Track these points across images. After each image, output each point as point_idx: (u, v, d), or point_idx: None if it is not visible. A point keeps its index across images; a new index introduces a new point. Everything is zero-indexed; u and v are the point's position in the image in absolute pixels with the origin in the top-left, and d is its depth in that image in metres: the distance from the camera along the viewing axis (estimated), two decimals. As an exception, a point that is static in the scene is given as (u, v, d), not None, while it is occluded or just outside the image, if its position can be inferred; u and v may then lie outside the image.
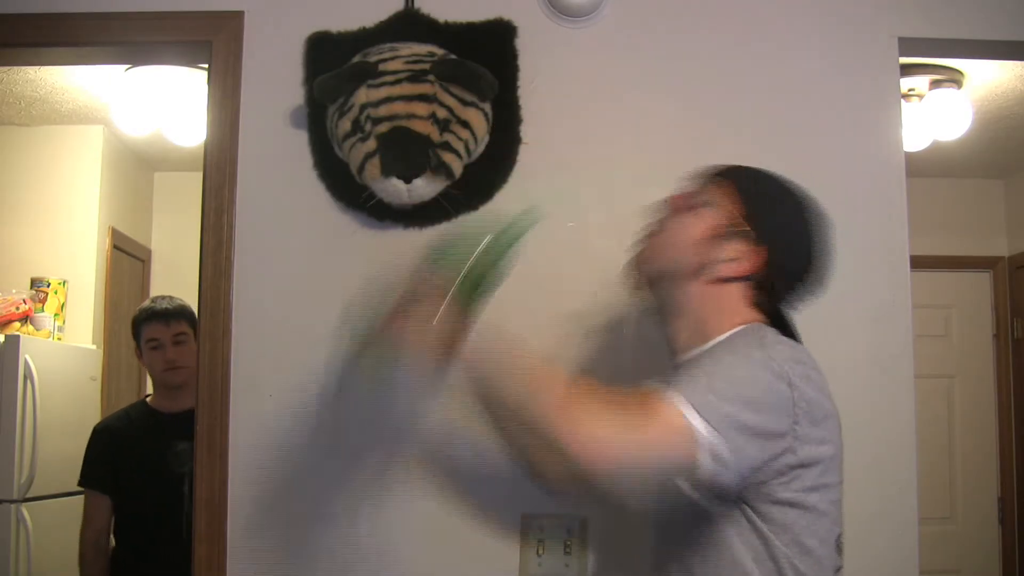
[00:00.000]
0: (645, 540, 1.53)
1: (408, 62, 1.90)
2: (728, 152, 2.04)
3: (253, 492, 1.98)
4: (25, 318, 3.78)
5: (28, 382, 3.40)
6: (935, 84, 3.59)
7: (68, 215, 4.19)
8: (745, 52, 2.07)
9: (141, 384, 4.55)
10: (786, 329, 1.46)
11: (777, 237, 1.45)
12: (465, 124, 1.90)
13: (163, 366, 2.71)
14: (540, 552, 1.94)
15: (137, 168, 4.79)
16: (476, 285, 1.42)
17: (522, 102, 2.01)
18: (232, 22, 2.07)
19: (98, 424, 2.83)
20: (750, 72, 2.07)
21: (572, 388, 1.28)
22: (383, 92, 1.87)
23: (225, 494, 1.97)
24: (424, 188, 1.89)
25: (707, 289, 1.42)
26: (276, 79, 2.05)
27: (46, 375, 3.49)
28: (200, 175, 2.07)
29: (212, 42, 2.07)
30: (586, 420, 1.21)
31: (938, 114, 3.62)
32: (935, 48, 2.21)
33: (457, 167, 1.91)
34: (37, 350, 3.50)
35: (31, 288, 3.90)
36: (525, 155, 2.02)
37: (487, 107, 1.94)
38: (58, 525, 2.88)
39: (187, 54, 2.44)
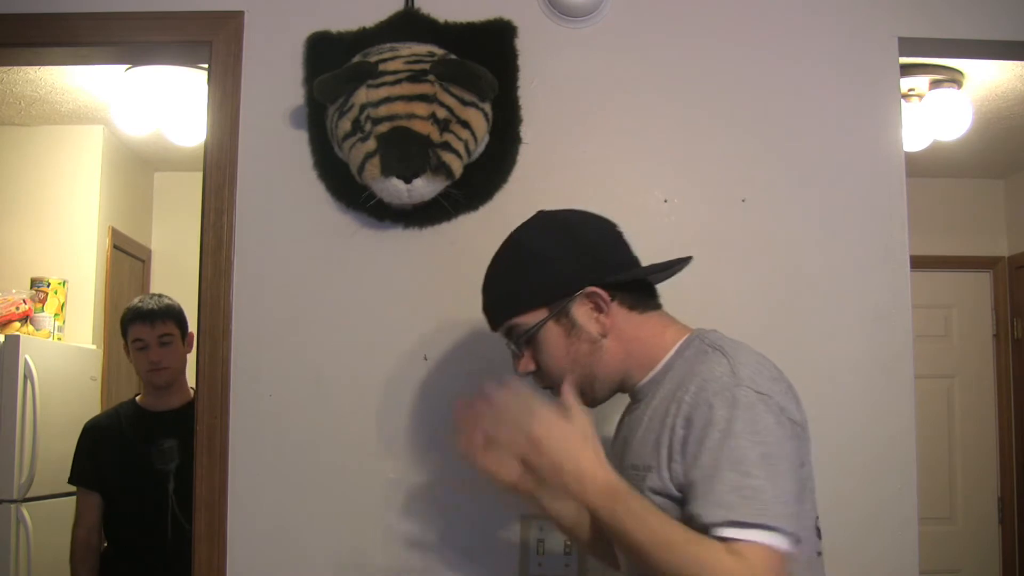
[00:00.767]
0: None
1: (408, 62, 1.90)
2: (728, 152, 2.06)
3: (253, 492, 1.98)
4: (25, 318, 3.78)
5: (28, 382, 3.40)
6: (935, 84, 3.58)
7: (68, 215, 4.19)
8: (745, 52, 2.07)
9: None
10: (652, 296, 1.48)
11: (579, 265, 1.42)
12: (465, 124, 1.90)
13: (148, 367, 2.72)
14: (540, 552, 1.94)
15: (137, 168, 4.79)
16: None
17: (522, 102, 2.01)
18: (232, 22, 2.07)
19: (88, 422, 2.83)
20: (750, 72, 2.07)
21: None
22: (383, 92, 1.87)
23: (225, 494, 1.97)
24: (424, 188, 1.89)
25: (612, 342, 1.41)
26: (276, 79, 2.05)
27: (46, 375, 3.49)
28: (200, 175, 2.07)
29: (212, 42, 2.07)
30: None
31: (938, 114, 3.62)
32: (935, 48, 2.21)
33: (457, 167, 1.91)
34: (37, 350, 3.50)
35: (31, 288, 3.89)
36: (525, 155, 2.02)
37: (487, 107, 1.94)
38: (58, 525, 2.87)
39: (187, 54, 2.44)
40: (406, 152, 1.86)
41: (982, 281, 5.02)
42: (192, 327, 2.31)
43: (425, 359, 2.00)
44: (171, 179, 4.99)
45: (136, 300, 2.80)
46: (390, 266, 2.02)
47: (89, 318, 4.14)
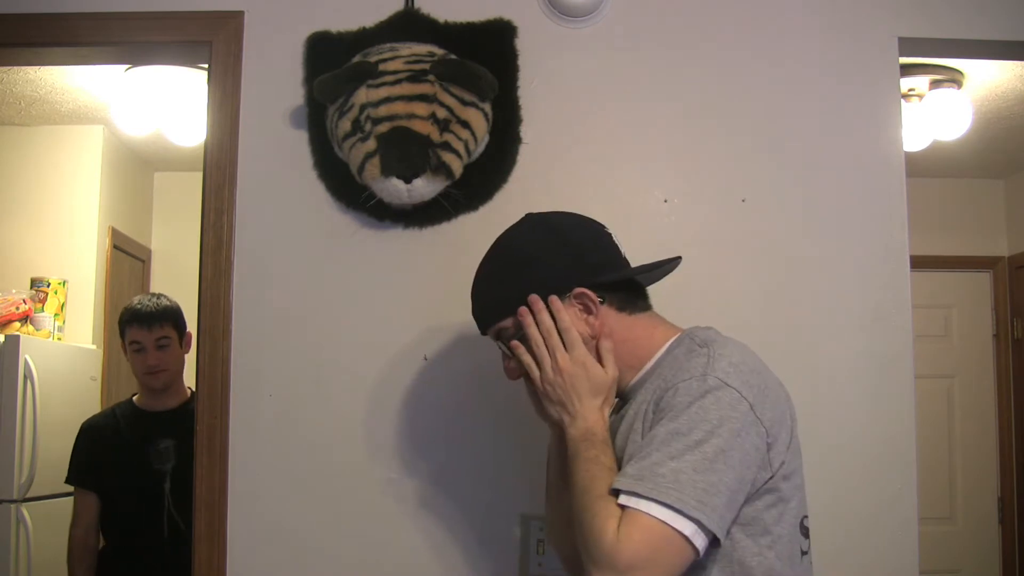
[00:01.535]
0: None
1: (408, 62, 1.90)
2: (728, 152, 2.06)
3: (253, 492, 1.98)
4: (25, 318, 3.78)
5: (28, 382, 3.40)
6: (935, 84, 3.58)
7: (68, 215, 4.19)
8: (745, 52, 2.07)
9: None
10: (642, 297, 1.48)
11: (566, 266, 1.42)
12: (465, 124, 1.90)
13: (145, 370, 2.72)
14: (540, 552, 1.94)
15: (137, 168, 4.79)
16: None
17: (522, 102, 2.01)
18: (232, 22, 2.07)
19: (84, 422, 2.83)
20: (750, 72, 2.07)
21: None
22: (383, 92, 1.87)
23: (225, 494, 1.97)
24: (424, 188, 1.89)
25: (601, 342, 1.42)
26: (276, 79, 2.05)
27: (46, 375, 3.49)
28: (200, 175, 2.07)
29: (212, 42, 2.07)
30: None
31: (938, 114, 3.62)
32: (935, 48, 2.21)
33: (457, 167, 1.91)
34: (37, 350, 3.50)
35: (31, 288, 3.89)
36: (525, 155, 2.02)
37: (487, 107, 1.94)
38: (58, 525, 2.87)
39: (187, 54, 2.43)
40: (406, 152, 1.86)
41: (982, 281, 5.02)
42: (192, 327, 2.31)
43: (425, 359, 2.00)
44: (171, 179, 4.99)
45: (134, 301, 2.79)
46: (390, 266, 2.02)
47: (89, 318, 4.14)
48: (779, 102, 2.06)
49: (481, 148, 1.96)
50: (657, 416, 1.28)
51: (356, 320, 2.01)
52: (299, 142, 2.04)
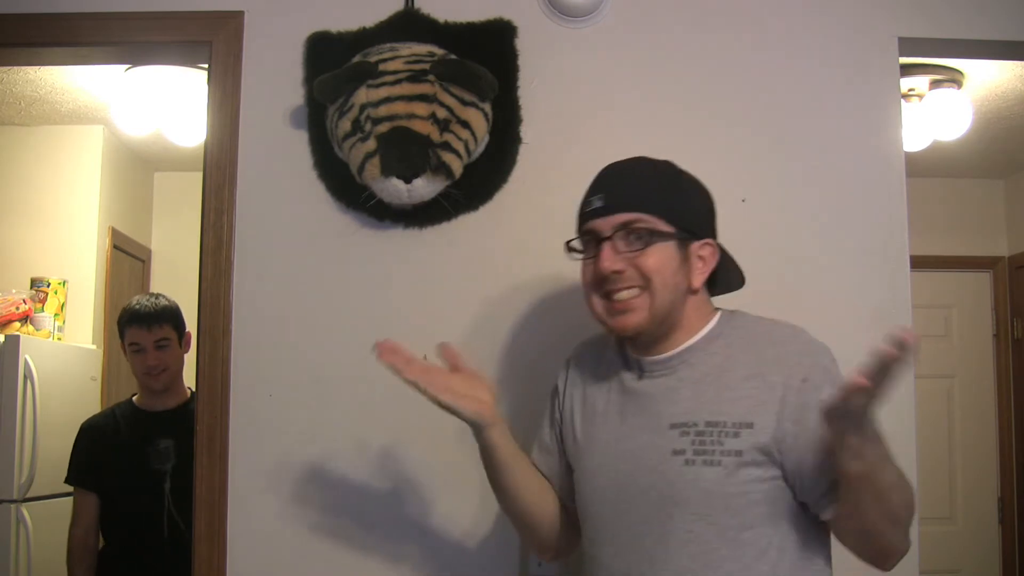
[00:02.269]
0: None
1: (408, 62, 1.90)
2: (728, 152, 2.05)
3: (253, 492, 1.98)
4: (25, 318, 3.78)
5: (28, 382, 3.40)
6: (935, 84, 3.58)
7: (68, 215, 4.19)
8: (745, 52, 2.07)
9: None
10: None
11: (711, 218, 1.51)
12: (465, 124, 1.90)
13: (144, 370, 2.71)
14: (540, 552, 1.94)
15: (137, 168, 4.79)
16: None
17: (522, 102, 2.01)
18: (232, 22, 2.07)
19: (84, 422, 2.83)
20: (750, 72, 2.07)
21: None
22: (383, 92, 1.87)
23: (225, 494, 1.97)
24: (424, 188, 1.89)
25: (691, 296, 1.47)
26: (276, 79, 2.05)
27: (46, 375, 3.49)
28: (200, 175, 2.07)
29: (212, 42, 2.07)
30: None
31: (938, 114, 3.62)
32: (935, 48, 2.21)
33: (457, 167, 1.91)
34: (37, 350, 3.50)
35: (31, 288, 3.89)
36: (525, 155, 2.02)
37: (487, 107, 1.94)
38: (58, 525, 2.87)
39: (187, 54, 2.44)
40: (406, 152, 1.86)
41: (982, 281, 5.02)
42: (192, 327, 2.30)
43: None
44: (171, 179, 4.99)
45: (133, 301, 2.78)
46: (390, 266, 2.02)
47: (89, 318, 4.14)
48: (779, 102, 2.06)
49: (481, 148, 1.96)
50: (818, 394, 1.34)
51: (356, 320, 2.01)
52: (299, 142, 2.04)
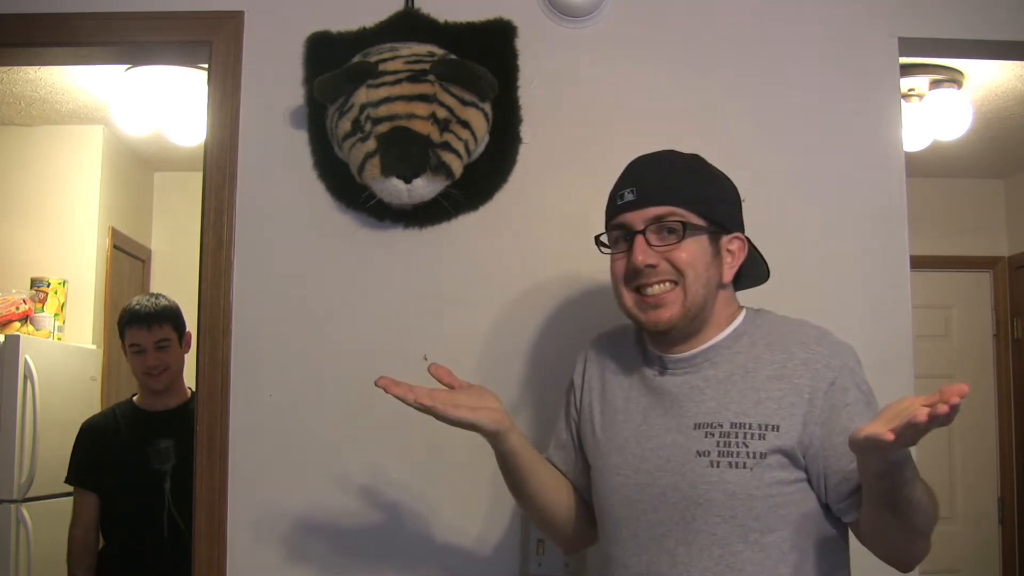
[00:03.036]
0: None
1: (408, 62, 1.90)
2: (727, 152, 2.05)
3: (253, 492, 1.98)
4: (25, 318, 3.78)
5: (28, 382, 3.40)
6: (935, 84, 3.58)
7: (68, 215, 4.19)
8: (745, 52, 2.07)
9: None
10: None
11: (740, 213, 1.52)
12: (465, 124, 1.90)
13: (144, 371, 2.71)
14: (540, 552, 1.94)
15: (137, 168, 4.79)
16: None
17: (522, 102, 2.01)
18: (232, 22, 2.07)
19: (84, 422, 2.83)
20: (750, 72, 2.07)
21: None
22: (383, 92, 1.87)
23: (225, 494, 1.97)
24: (424, 188, 1.89)
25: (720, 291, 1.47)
26: (276, 79, 2.05)
27: (46, 375, 3.49)
28: (200, 175, 2.07)
29: (212, 42, 2.07)
30: None
31: (938, 114, 3.62)
32: (935, 48, 2.21)
33: (457, 167, 1.91)
34: (37, 350, 3.50)
35: (31, 288, 3.89)
36: (525, 155, 2.02)
37: (487, 107, 1.94)
38: (58, 525, 2.88)
39: (187, 54, 2.44)
40: (406, 152, 1.86)
41: (982, 281, 5.02)
42: (192, 327, 2.30)
43: (425, 359, 2.00)
44: (171, 179, 4.99)
45: (133, 301, 2.78)
46: (390, 266, 2.02)
47: (89, 318, 4.15)
48: (779, 102, 2.06)
49: (481, 148, 1.96)
50: (844, 397, 1.36)
51: (356, 320, 2.01)
52: (299, 142, 2.04)
